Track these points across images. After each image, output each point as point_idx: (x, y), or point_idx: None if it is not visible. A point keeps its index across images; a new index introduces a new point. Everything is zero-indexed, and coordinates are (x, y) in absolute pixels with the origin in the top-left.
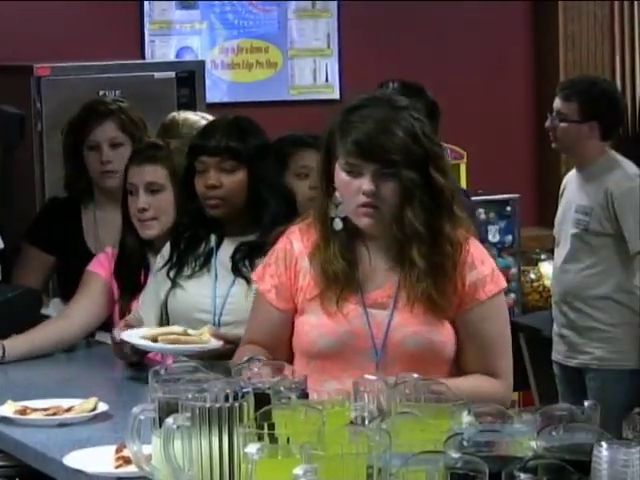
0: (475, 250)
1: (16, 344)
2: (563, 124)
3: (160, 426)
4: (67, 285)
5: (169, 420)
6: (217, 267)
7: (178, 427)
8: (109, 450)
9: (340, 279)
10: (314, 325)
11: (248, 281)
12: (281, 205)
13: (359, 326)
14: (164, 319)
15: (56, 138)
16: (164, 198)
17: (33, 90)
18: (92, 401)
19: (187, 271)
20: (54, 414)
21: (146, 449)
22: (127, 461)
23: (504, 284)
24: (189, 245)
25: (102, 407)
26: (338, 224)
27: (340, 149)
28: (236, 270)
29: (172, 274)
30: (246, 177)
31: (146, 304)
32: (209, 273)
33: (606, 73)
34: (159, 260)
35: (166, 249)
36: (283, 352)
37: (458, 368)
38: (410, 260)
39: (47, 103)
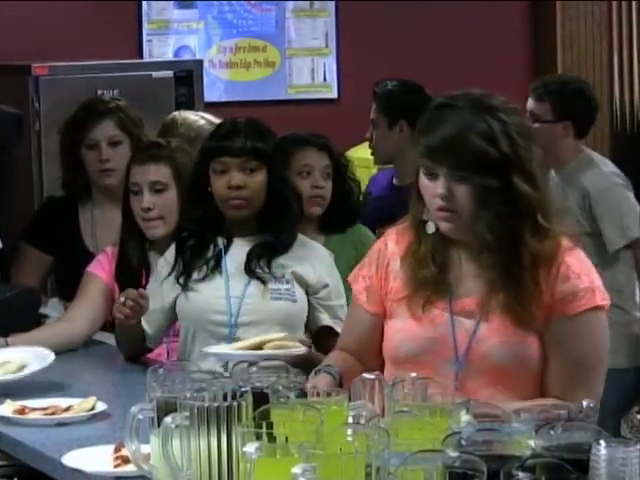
0: (574, 262)
1: (19, 343)
2: (537, 124)
3: (159, 425)
4: (65, 284)
5: (167, 419)
6: (228, 267)
7: (177, 426)
8: (108, 449)
9: (429, 283)
10: (399, 329)
11: (263, 282)
12: (299, 205)
13: (443, 333)
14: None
15: (54, 137)
16: (169, 197)
17: (31, 89)
18: (91, 400)
19: (198, 275)
20: (53, 413)
21: (145, 448)
22: (126, 460)
23: (603, 302)
24: (195, 252)
25: (101, 406)
26: (430, 227)
27: (417, 150)
28: (250, 271)
29: (182, 280)
30: (266, 177)
31: (149, 311)
32: (220, 274)
33: (604, 72)
34: (162, 264)
35: (170, 254)
36: (373, 358)
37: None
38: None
39: (45, 102)
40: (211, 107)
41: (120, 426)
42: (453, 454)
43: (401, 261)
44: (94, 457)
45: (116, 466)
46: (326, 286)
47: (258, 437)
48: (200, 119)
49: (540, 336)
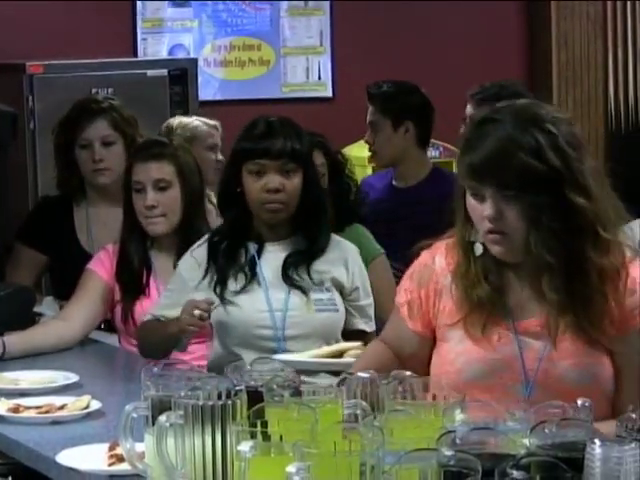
0: (638, 273)
1: (16, 341)
2: None
3: (153, 424)
4: (61, 283)
5: (162, 418)
6: (265, 277)
7: (171, 425)
8: (102, 448)
9: (485, 304)
10: (460, 352)
11: (303, 291)
12: (330, 209)
13: (510, 354)
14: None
15: (49, 136)
16: (172, 195)
17: (26, 88)
18: (85, 399)
19: (234, 285)
20: (47, 412)
21: (139, 447)
22: (120, 459)
23: None
24: (228, 257)
25: (95, 405)
26: (479, 249)
27: (459, 170)
28: (288, 280)
29: (219, 290)
30: (302, 180)
31: (177, 295)
32: (258, 285)
33: (599, 72)
34: (190, 264)
35: (199, 254)
36: (411, 365)
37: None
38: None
39: (40, 101)
40: (205, 106)
41: (114, 424)
42: (448, 453)
43: (452, 278)
44: (88, 455)
45: (110, 464)
46: (357, 288)
47: (252, 436)
48: (195, 120)
49: (611, 354)
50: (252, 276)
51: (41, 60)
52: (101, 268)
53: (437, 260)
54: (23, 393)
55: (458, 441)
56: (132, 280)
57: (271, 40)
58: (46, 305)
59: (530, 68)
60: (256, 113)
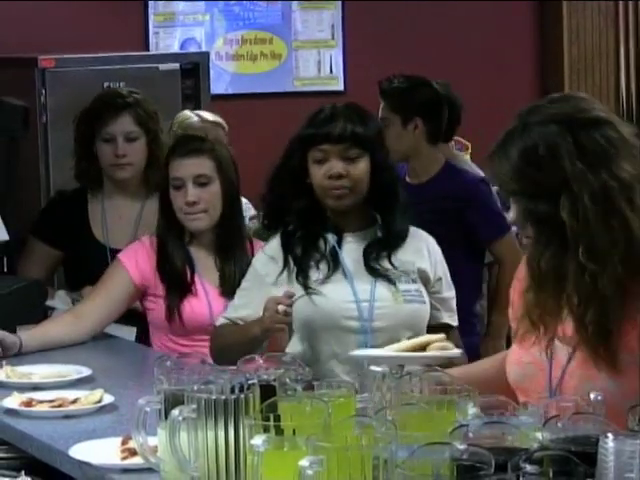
0: None
1: (32, 336)
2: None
3: (166, 418)
4: (75, 277)
5: (175, 412)
6: (349, 268)
7: (184, 419)
8: (115, 442)
9: (535, 305)
10: (509, 353)
11: (390, 281)
12: (404, 194)
13: (540, 360)
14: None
15: (60, 130)
16: (213, 190)
17: (38, 82)
18: (97, 393)
19: (317, 274)
20: (60, 406)
21: (152, 441)
22: (133, 453)
23: None
24: (306, 247)
25: (108, 399)
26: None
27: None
28: (373, 270)
29: (302, 279)
30: (369, 165)
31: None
32: (343, 276)
33: (610, 65)
34: (264, 261)
35: (271, 250)
36: None
37: None
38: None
39: (52, 95)
40: (217, 99)
41: (127, 418)
42: (461, 447)
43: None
44: (101, 449)
45: (123, 458)
46: (439, 279)
47: (265, 430)
48: (194, 116)
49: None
50: (335, 266)
51: (53, 54)
52: (131, 261)
53: (522, 269)
54: (36, 387)
55: (471, 435)
56: (176, 278)
57: (283, 34)
58: (58, 299)
59: (542, 61)
60: (268, 107)
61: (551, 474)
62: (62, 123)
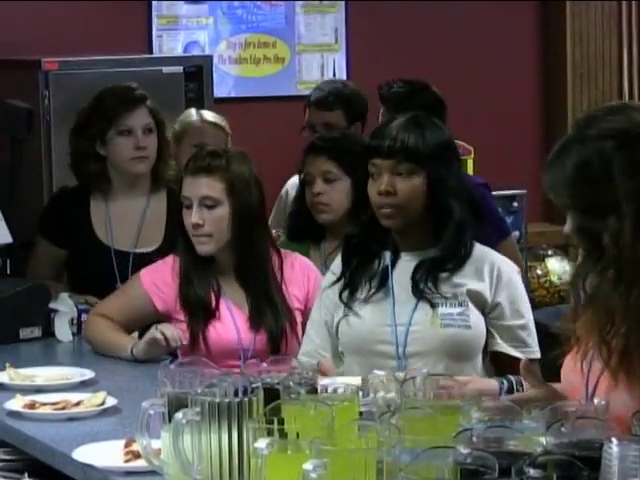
0: None
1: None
2: None
3: (170, 421)
4: (78, 278)
5: (178, 415)
6: (395, 289)
7: (187, 422)
8: (118, 444)
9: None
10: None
11: (432, 304)
12: (466, 212)
13: (579, 369)
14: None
15: (64, 133)
16: (219, 214)
17: (41, 84)
18: (100, 395)
19: (361, 294)
20: (63, 408)
21: (155, 443)
22: (136, 455)
23: None
24: (362, 261)
25: (111, 401)
26: None
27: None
28: (417, 292)
29: (345, 297)
30: (425, 182)
31: (314, 328)
32: (386, 297)
33: (613, 69)
34: (329, 277)
35: (336, 265)
36: None
37: None
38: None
39: (55, 97)
40: (220, 103)
41: (130, 421)
42: (464, 451)
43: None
44: (104, 452)
45: (127, 461)
46: (499, 304)
47: (269, 433)
48: (195, 115)
49: None
50: (381, 286)
51: (57, 56)
52: (153, 285)
53: None
54: (39, 389)
55: (475, 439)
56: (199, 303)
57: (286, 37)
58: (61, 301)
59: (545, 65)
60: (271, 110)
61: (555, 478)
62: (65, 125)
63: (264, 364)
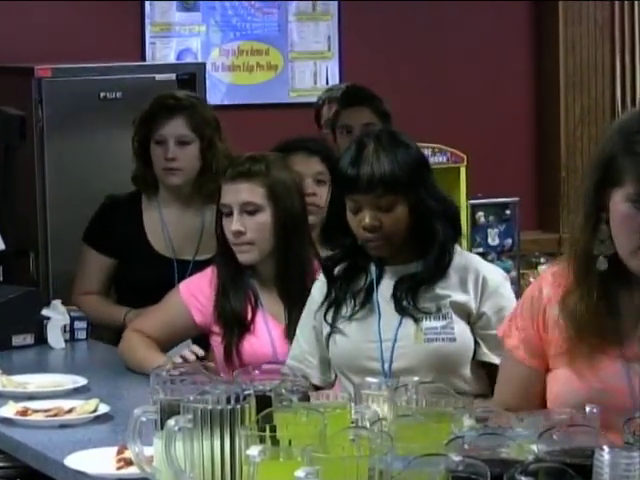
0: None
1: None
2: None
3: (162, 428)
4: (128, 288)
5: (171, 422)
6: (380, 304)
7: (180, 429)
8: (110, 451)
9: (594, 328)
10: (563, 383)
11: (415, 319)
12: (448, 228)
13: (616, 384)
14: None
15: (57, 139)
16: (261, 220)
17: (34, 91)
18: (93, 403)
19: (346, 311)
20: (55, 415)
21: (148, 451)
22: (128, 462)
23: None
24: (348, 278)
25: (103, 409)
26: (602, 263)
27: (629, 176)
28: (401, 309)
29: (329, 317)
30: (406, 207)
31: (302, 332)
32: (372, 312)
33: (606, 77)
34: (316, 294)
35: (316, 288)
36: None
37: None
38: None
39: (48, 105)
40: (213, 110)
41: (122, 428)
42: (456, 458)
43: (560, 305)
44: (96, 459)
45: (119, 468)
46: (484, 314)
47: (261, 440)
48: None
49: None
50: (366, 302)
51: (49, 64)
52: (192, 298)
53: (544, 290)
54: (31, 396)
55: (466, 446)
56: (233, 317)
57: (279, 45)
58: (53, 308)
59: (537, 73)
60: (264, 118)
61: None
62: (58, 133)
63: (256, 371)
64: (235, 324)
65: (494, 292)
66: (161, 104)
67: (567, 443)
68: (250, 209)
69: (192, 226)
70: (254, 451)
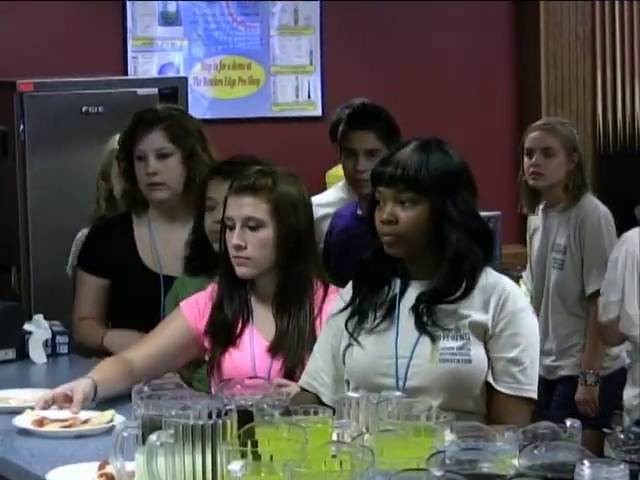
0: None
1: (104, 388)
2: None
3: (143, 443)
4: (122, 308)
5: (152, 437)
6: (401, 319)
7: (161, 444)
8: (92, 467)
9: None
10: None
11: (432, 338)
12: (468, 241)
13: None
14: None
15: (39, 154)
16: (261, 236)
17: (16, 106)
18: (109, 413)
19: (367, 323)
20: (70, 426)
21: (129, 466)
22: (110, 478)
23: None
24: (372, 288)
25: (119, 419)
26: None
27: None
28: (420, 325)
29: (351, 327)
30: (428, 211)
31: (320, 349)
32: (391, 327)
33: (587, 91)
34: (338, 303)
35: (346, 291)
36: None
37: None
38: None
39: (30, 119)
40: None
41: (103, 444)
42: (437, 473)
43: None
44: (78, 474)
45: None
46: (495, 335)
47: (243, 455)
48: None
49: None
50: (388, 315)
51: (32, 78)
52: (192, 310)
53: None
54: (13, 411)
55: (448, 461)
56: (221, 328)
57: (261, 59)
58: (35, 323)
59: (519, 87)
60: (246, 132)
61: None
62: (41, 147)
63: (238, 386)
64: (222, 336)
65: (511, 314)
66: (140, 119)
67: (548, 457)
68: (252, 224)
69: (180, 241)
70: (236, 466)
